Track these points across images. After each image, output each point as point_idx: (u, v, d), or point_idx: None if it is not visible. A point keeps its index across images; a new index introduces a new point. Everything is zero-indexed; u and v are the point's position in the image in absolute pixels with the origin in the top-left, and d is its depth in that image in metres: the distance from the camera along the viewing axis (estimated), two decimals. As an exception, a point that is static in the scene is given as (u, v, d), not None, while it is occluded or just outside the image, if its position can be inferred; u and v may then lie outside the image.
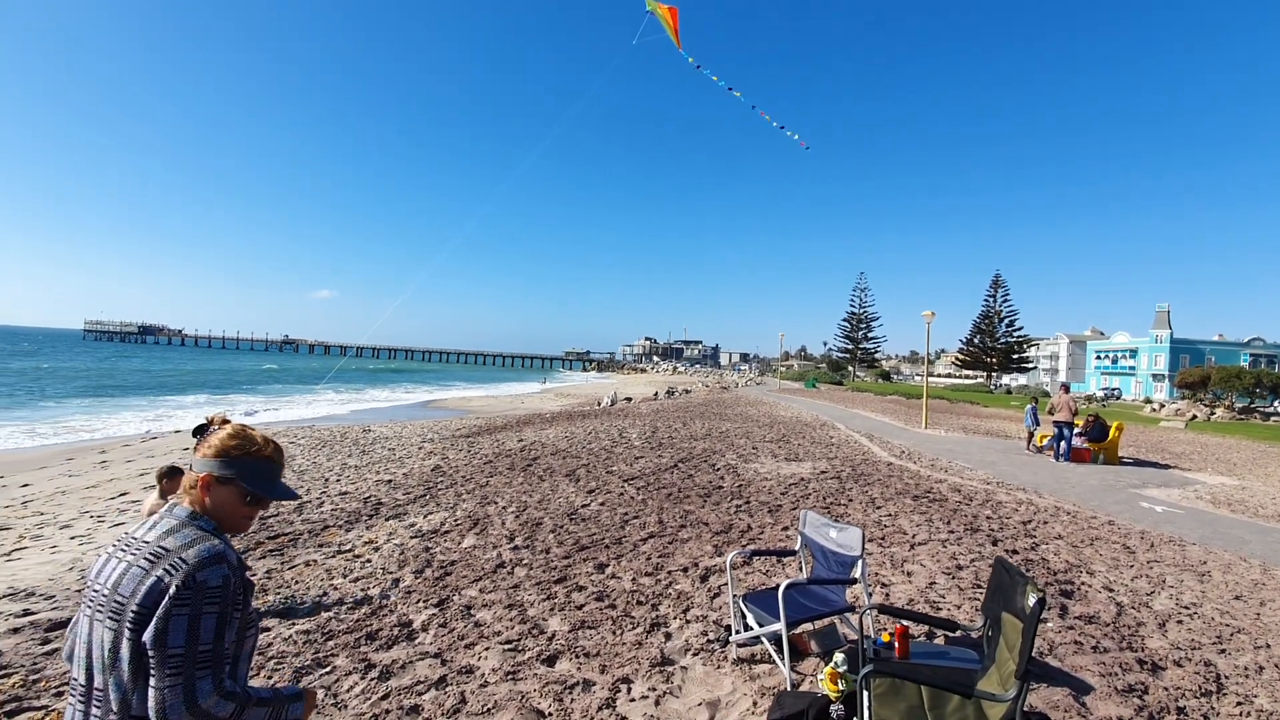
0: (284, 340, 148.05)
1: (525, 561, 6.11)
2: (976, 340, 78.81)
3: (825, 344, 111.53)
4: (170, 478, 5.00)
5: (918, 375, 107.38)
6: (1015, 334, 76.89)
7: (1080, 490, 10.60)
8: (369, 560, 6.47)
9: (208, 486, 1.64)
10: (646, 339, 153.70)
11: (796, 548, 4.12)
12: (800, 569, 4.20)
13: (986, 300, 78.72)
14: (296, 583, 5.86)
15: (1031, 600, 2.34)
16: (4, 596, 5.96)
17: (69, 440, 19.48)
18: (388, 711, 3.47)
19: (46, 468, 13.96)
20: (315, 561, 6.53)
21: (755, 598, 3.63)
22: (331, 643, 4.48)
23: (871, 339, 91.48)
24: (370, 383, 57.16)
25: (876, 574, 5.42)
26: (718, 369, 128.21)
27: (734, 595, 3.73)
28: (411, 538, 7.21)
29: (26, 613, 5.38)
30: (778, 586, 3.30)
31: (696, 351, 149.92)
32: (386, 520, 8.16)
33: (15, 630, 5.10)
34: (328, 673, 4.01)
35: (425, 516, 8.20)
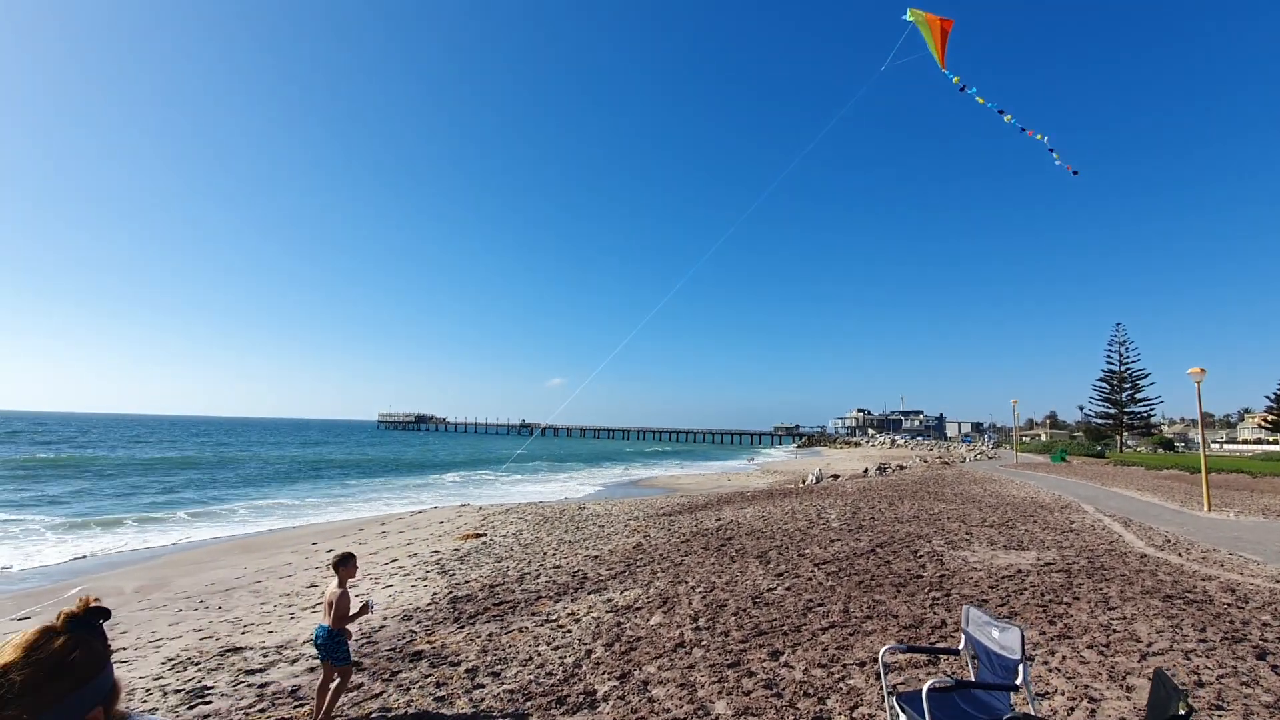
0: (521, 424, 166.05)
1: (704, 643, 6.36)
2: (1298, 396, 62.26)
3: (1081, 409, 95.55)
4: (344, 565, 5.25)
5: (1212, 442, 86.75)
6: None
7: None
8: (569, 630, 7.20)
9: None
10: (859, 411, 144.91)
11: (960, 646, 3.90)
12: (968, 669, 3.94)
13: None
14: (510, 646, 6.76)
15: (1177, 712, 2.15)
16: (306, 642, 7.70)
17: (361, 515, 24.00)
18: (564, 767, 3.97)
19: (345, 536, 17.43)
20: (527, 628, 7.43)
21: (909, 697, 3.53)
22: (530, 703, 5.16)
23: (1140, 400, 76.66)
24: (589, 461, 61.60)
25: (1088, 687, 4.75)
26: (943, 441, 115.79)
27: (886, 692, 3.67)
28: (607, 612, 7.85)
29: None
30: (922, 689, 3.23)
31: (917, 422, 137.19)
32: (589, 594, 8.93)
33: (311, 669, 6.60)
34: (523, 728, 4.65)
35: (622, 592, 8.83)
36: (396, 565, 12.56)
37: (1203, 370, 16.65)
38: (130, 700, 6.21)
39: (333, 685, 5.18)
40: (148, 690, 6.44)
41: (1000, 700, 3.42)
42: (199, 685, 6.44)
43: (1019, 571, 8.74)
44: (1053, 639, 5.84)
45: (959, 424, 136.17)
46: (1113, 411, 77.93)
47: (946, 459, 55.24)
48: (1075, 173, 12.29)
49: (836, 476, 34.04)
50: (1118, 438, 77.60)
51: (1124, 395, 76.96)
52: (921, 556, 9.97)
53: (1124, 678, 4.92)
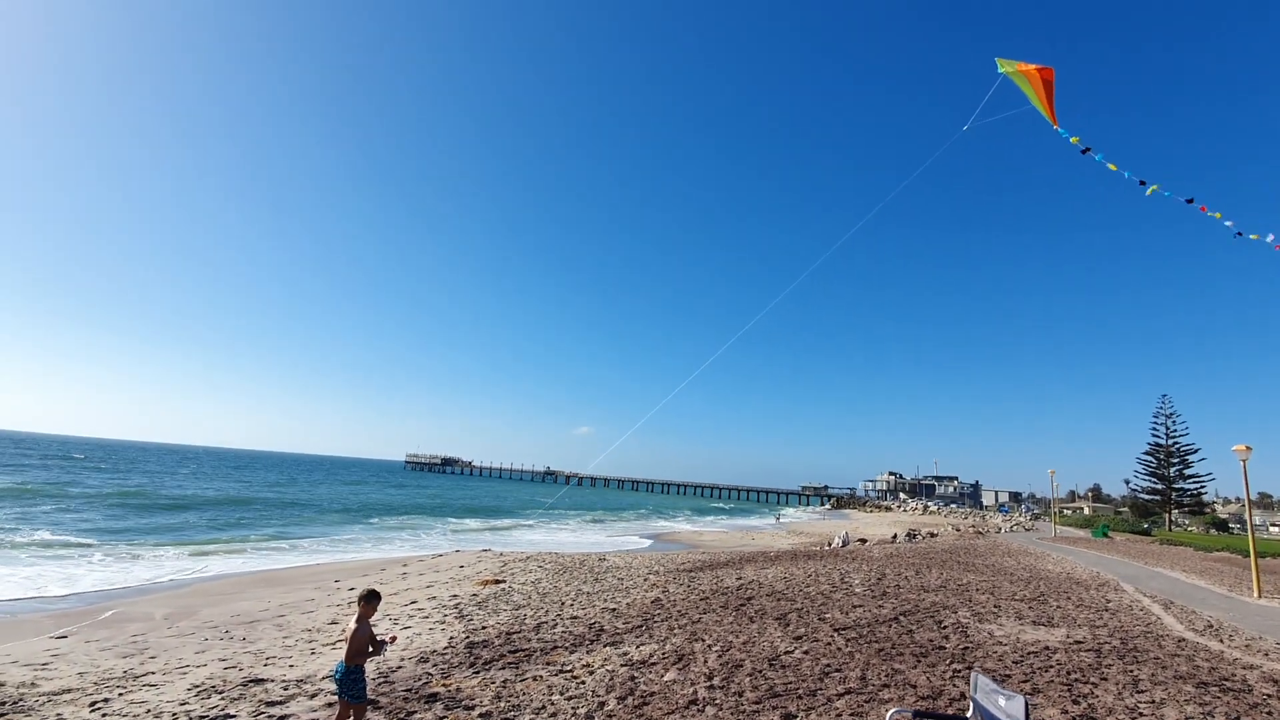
0: (546, 471, 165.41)
1: (717, 701, 6.34)
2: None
3: (1127, 483, 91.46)
4: (366, 601, 5.34)
5: (1273, 525, 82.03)
6: None
7: None
8: (583, 682, 7.22)
9: None
10: (891, 474, 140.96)
11: (969, 714, 3.90)
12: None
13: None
14: (524, 694, 6.81)
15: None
16: (325, 677, 7.85)
17: (384, 555, 24.19)
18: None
19: (368, 575, 17.62)
20: (541, 677, 7.47)
21: (915, 762, 3.55)
22: (541, 750, 5.22)
23: (1190, 477, 73.32)
24: (612, 513, 61.05)
25: (1107, 769, 4.64)
26: (978, 509, 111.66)
27: (894, 757, 3.68)
28: (622, 665, 7.84)
29: (339, 693, 7.01)
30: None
31: (951, 489, 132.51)
32: (605, 646, 8.93)
33: (329, 704, 6.74)
34: (533, 774, 4.71)
35: (638, 647, 8.81)
36: (416, 607, 12.67)
37: (1248, 448, 16.10)
38: (156, 724, 6.41)
39: None
40: (174, 715, 6.64)
41: (1006, 771, 3.41)
42: (222, 713, 6.62)
43: (1046, 648, 8.48)
44: (1074, 719, 5.69)
45: (996, 493, 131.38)
46: (1160, 488, 74.63)
47: (980, 528, 53.32)
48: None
49: (864, 541, 33.18)
50: (1166, 516, 74.03)
51: (1171, 471, 73.80)
52: (946, 627, 9.73)
53: (1146, 762, 4.79)
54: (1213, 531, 69.09)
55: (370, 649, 5.27)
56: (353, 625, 5.25)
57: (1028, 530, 54.02)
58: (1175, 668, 7.68)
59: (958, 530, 48.58)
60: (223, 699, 7.18)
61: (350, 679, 5.21)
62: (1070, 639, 9.11)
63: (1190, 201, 10.87)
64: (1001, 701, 3.58)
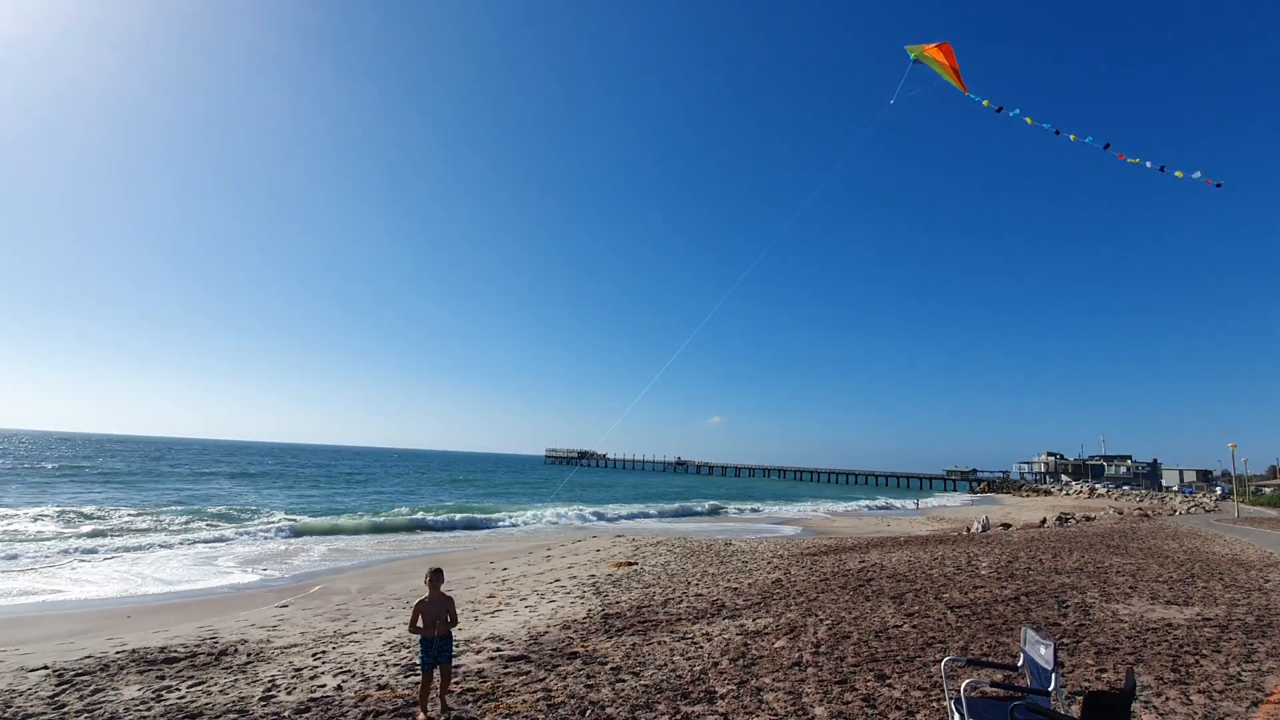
0: (677, 461, 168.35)
1: (819, 664, 7.09)
2: None
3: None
4: (434, 579, 5.92)
5: None
6: None
7: None
8: (702, 646, 8.23)
9: None
10: (1049, 454, 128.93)
11: (1020, 664, 4.43)
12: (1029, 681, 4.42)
13: None
14: (650, 655, 7.93)
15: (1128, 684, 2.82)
16: (488, 638, 9.44)
17: (530, 541, 26.62)
18: (679, 735, 5.03)
19: (518, 558, 19.76)
20: (665, 642, 8.56)
21: (958, 701, 4.18)
22: (659, 695, 6.28)
23: None
24: (743, 500, 61.52)
25: (1183, 726, 4.90)
26: (1156, 490, 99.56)
27: (950, 698, 4.32)
28: (738, 634, 8.76)
29: (499, 650, 8.51)
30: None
31: (1123, 469, 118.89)
32: (724, 619, 9.87)
33: (491, 658, 8.23)
34: (651, 714, 5.78)
35: (754, 620, 9.67)
36: (559, 585, 14.29)
37: None
38: (363, 668, 8.20)
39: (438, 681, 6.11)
40: (374, 662, 8.44)
41: (1042, 703, 3.96)
42: (411, 662, 8.33)
43: (1168, 625, 8.31)
44: (1166, 684, 5.85)
45: (1180, 472, 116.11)
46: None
47: (1150, 511, 48.06)
48: (1219, 185, 10.75)
49: (1008, 526, 31.42)
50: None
51: None
52: (1067, 607, 9.68)
53: (1222, 719, 4.98)
54: None
55: (419, 623, 5.91)
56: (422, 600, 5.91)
57: (1208, 511, 47.93)
58: (1313, 646, 7.34)
59: (1120, 513, 44.19)
60: (410, 652, 8.93)
61: (427, 645, 5.92)
62: (1200, 616, 8.81)
63: (1107, 147, 11.15)
64: (1041, 650, 4.14)
